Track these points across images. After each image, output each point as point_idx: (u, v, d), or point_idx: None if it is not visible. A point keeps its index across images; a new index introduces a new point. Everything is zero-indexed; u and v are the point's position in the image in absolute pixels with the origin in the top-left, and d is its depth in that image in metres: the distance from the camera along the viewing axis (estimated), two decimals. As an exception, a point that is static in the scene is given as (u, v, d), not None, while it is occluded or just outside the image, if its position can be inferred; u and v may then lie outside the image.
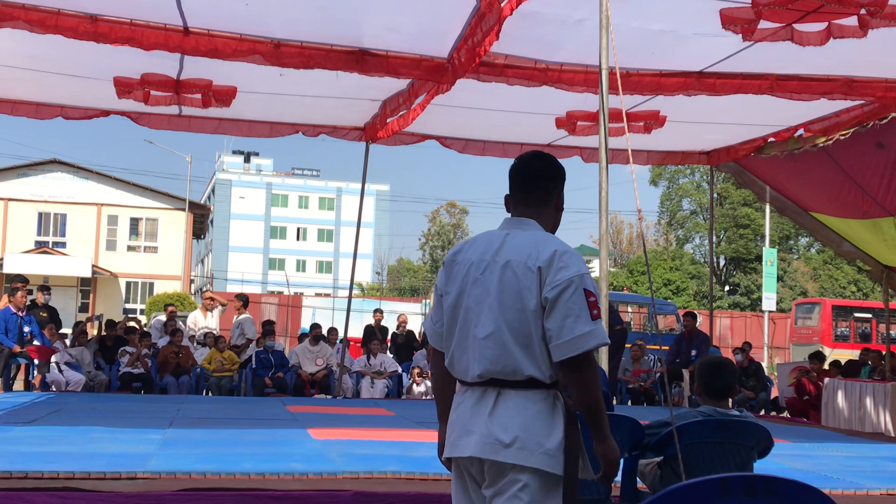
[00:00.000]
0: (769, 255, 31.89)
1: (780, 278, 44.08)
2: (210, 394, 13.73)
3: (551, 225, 3.18)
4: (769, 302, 31.90)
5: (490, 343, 2.92)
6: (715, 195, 17.75)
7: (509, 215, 3.19)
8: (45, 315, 14.14)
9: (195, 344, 14.88)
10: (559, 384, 2.96)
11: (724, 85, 9.58)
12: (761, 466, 4.52)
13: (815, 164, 12.12)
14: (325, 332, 15.24)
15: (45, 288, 14.89)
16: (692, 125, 11.89)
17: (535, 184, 3.16)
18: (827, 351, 22.80)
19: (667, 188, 58.29)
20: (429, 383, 14.58)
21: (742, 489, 2.67)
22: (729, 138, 12.92)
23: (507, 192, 3.21)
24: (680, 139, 12.92)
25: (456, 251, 3.11)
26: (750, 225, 52.87)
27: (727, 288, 54.69)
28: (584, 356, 2.86)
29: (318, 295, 49.21)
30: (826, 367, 14.61)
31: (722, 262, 56.35)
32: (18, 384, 13.26)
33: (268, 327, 14.71)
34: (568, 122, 11.43)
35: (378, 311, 17.51)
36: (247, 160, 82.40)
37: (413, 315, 27.38)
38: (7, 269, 37.86)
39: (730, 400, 4.69)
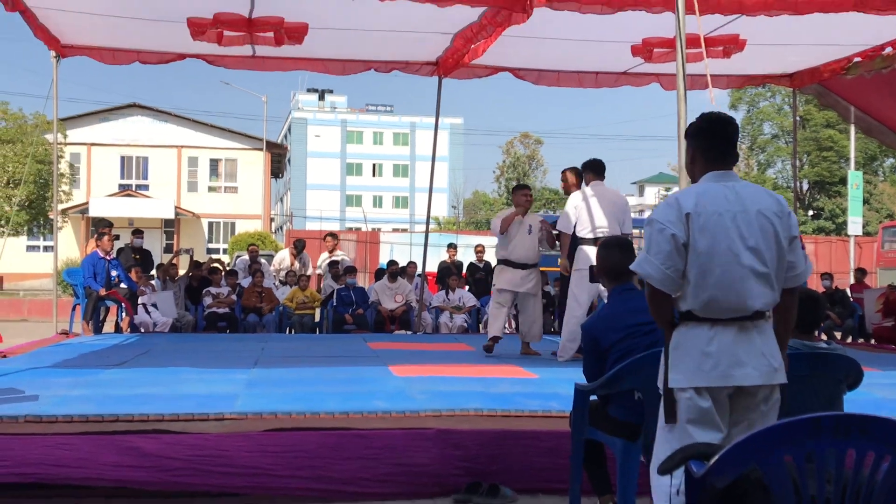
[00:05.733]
0: (854, 178, 30.92)
1: (865, 201, 42.85)
2: (293, 331, 13.96)
3: None
4: (855, 226, 31.03)
5: (763, 281, 3.44)
6: (797, 118, 17.17)
7: (707, 169, 3.61)
8: (137, 257, 14.47)
9: (277, 283, 15.09)
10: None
11: (806, 4, 9.22)
12: (851, 398, 4.41)
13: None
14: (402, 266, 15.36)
15: (137, 232, 15.24)
16: (773, 48, 11.50)
17: (733, 146, 3.63)
18: (916, 275, 22.16)
19: (747, 112, 56.87)
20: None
21: (834, 428, 2.60)
22: (812, 59, 12.49)
23: (697, 147, 3.66)
24: (761, 62, 12.53)
25: (694, 203, 3.46)
26: (833, 147, 51.46)
27: (811, 212, 53.44)
28: None
29: (395, 230, 49.48)
30: (916, 292, 14.22)
31: (805, 186, 55.04)
32: (108, 326, 13.64)
33: (348, 267, 14.87)
34: (644, 50, 11.16)
35: (451, 247, 17.49)
36: (321, 98, 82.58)
37: (490, 247, 27.22)
38: (93, 213, 38.84)
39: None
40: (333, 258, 15.57)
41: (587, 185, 9.60)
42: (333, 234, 16.52)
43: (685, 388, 3.44)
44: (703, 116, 3.73)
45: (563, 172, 10.05)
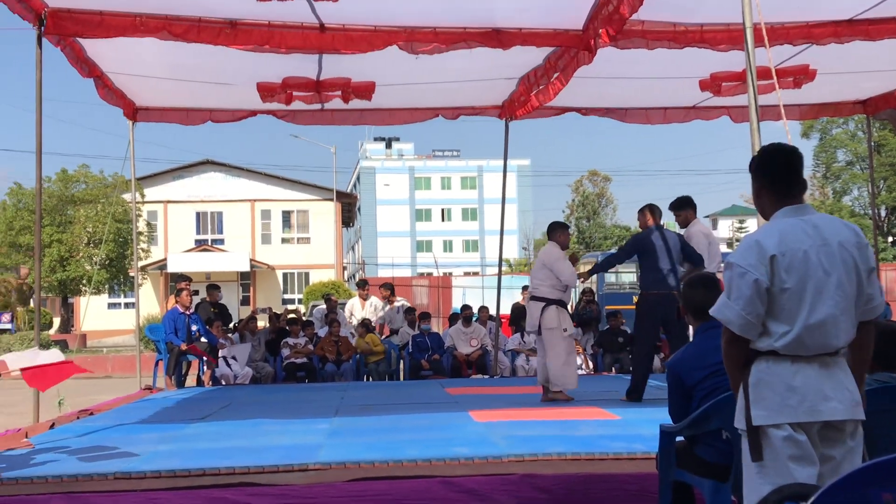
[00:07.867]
0: (935, 202, 30.21)
1: (948, 225, 41.76)
2: (370, 379, 14.04)
3: None
4: (938, 251, 30.27)
5: (846, 317, 3.38)
6: (872, 143, 16.70)
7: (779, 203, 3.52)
8: (215, 311, 14.70)
9: (353, 331, 15.20)
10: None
11: (878, 30, 9.11)
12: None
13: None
14: (475, 310, 15.38)
15: (213, 286, 15.48)
16: (845, 76, 11.34)
17: (799, 176, 3.55)
18: None
19: (820, 140, 55.89)
20: (580, 358, 14.48)
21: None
22: (885, 85, 12.27)
23: (763, 183, 3.57)
24: (832, 90, 12.34)
25: (776, 244, 3.37)
26: (911, 171, 50.34)
27: (891, 239, 52.19)
28: None
29: (466, 274, 49.59)
30: None
31: (883, 213, 53.81)
32: (190, 380, 13.87)
33: (421, 313, 15.00)
34: (712, 84, 11.08)
35: (525, 289, 17.47)
36: (388, 146, 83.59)
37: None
38: (171, 269, 39.68)
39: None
40: (395, 305, 15.73)
41: (684, 223, 9.52)
42: (372, 285, 16.56)
43: (780, 425, 3.32)
44: (764, 150, 3.64)
45: (643, 211, 9.84)
